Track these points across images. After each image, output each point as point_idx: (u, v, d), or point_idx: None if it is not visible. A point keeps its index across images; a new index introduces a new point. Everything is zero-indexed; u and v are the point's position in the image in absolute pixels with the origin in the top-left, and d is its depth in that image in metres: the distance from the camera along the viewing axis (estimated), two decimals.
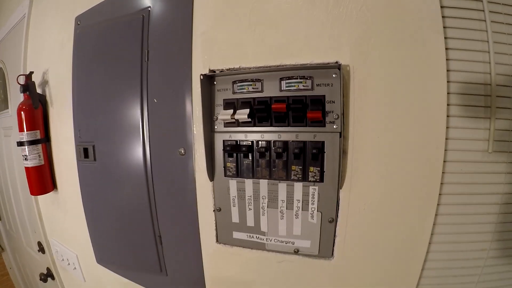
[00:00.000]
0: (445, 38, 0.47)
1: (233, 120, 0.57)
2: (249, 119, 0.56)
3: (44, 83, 1.01)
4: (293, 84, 0.55)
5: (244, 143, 0.59)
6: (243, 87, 0.58)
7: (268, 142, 0.57)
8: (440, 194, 0.51)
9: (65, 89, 0.90)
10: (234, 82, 0.59)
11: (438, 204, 0.51)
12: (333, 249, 0.58)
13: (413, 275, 0.55)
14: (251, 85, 0.57)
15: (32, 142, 0.95)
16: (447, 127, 0.49)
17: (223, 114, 0.57)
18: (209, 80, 0.60)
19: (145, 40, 0.68)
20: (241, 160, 0.60)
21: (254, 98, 0.57)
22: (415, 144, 0.50)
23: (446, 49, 0.48)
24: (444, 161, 0.50)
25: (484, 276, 0.55)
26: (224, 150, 0.60)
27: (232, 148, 0.59)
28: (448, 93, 0.48)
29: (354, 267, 0.58)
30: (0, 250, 1.93)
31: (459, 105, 0.49)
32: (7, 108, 1.32)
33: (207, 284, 0.73)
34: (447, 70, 0.48)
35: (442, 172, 0.50)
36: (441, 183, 0.51)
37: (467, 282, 0.55)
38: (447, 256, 0.54)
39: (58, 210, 1.07)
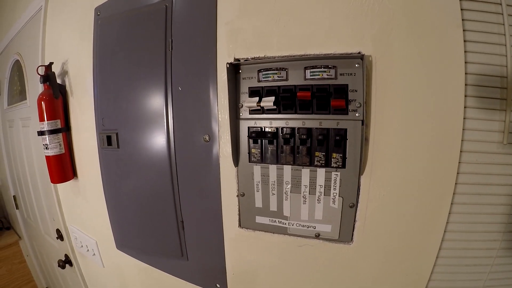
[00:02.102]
0: (464, 30, 0.48)
1: (259, 107, 0.59)
2: (274, 107, 0.58)
3: (64, 73, 1.03)
4: (317, 73, 0.56)
5: (269, 130, 0.60)
6: (268, 75, 0.59)
7: (293, 129, 0.59)
8: (456, 184, 0.52)
9: (85, 79, 0.92)
10: (259, 71, 0.60)
11: (454, 193, 0.52)
12: (352, 233, 0.60)
13: (428, 262, 0.56)
14: (276, 73, 0.59)
15: (52, 132, 0.97)
16: (464, 118, 0.50)
17: (249, 102, 0.59)
18: (234, 68, 0.62)
19: (169, 29, 0.70)
20: (266, 146, 0.62)
21: (279, 86, 0.58)
22: (433, 134, 0.51)
23: (464, 41, 0.48)
24: (461, 151, 0.51)
25: (495, 266, 0.56)
26: (249, 136, 0.62)
27: (257, 135, 0.60)
28: (465, 85, 0.49)
29: (373, 252, 0.59)
30: (17, 238, 1.98)
31: (476, 97, 0.50)
32: (25, 99, 1.35)
33: (228, 268, 0.75)
34: (465, 62, 0.48)
35: (459, 162, 0.51)
36: (457, 173, 0.52)
37: (479, 272, 0.56)
38: (460, 245, 0.55)
39: (78, 197, 1.10)
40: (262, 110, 0.60)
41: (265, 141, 0.61)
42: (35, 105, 0.96)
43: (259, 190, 0.65)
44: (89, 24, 0.88)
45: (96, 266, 1.17)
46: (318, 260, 0.64)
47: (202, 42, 0.66)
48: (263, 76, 0.60)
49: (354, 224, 0.59)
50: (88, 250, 1.14)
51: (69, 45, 1.00)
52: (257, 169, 0.64)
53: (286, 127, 0.59)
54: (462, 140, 0.51)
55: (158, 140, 0.74)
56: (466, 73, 0.49)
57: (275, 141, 0.60)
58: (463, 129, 0.50)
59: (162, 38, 0.70)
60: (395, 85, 0.52)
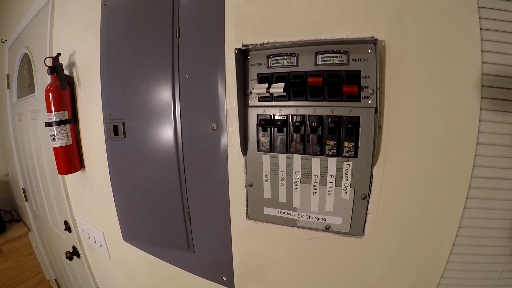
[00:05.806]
0: (480, 18, 0.46)
1: (268, 94, 0.57)
2: (284, 93, 0.56)
3: (71, 64, 1.03)
4: (328, 59, 0.54)
5: (279, 118, 0.59)
6: (278, 61, 0.57)
7: (303, 116, 0.57)
8: (471, 177, 0.50)
9: (92, 69, 0.91)
10: (268, 57, 0.58)
11: (469, 187, 0.50)
12: (364, 226, 0.58)
13: (442, 258, 0.54)
14: (286, 59, 0.57)
15: (60, 123, 0.97)
16: (480, 109, 0.48)
17: (258, 88, 0.57)
18: (243, 54, 0.60)
19: (176, 17, 0.68)
20: (275, 134, 0.60)
21: (289, 73, 0.56)
22: (449, 124, 0.49)
23: (481, 29, 0.46)
24: (477, 143, 0.49)
25: (509, 265, 0.54)
26: (258, 124, 0.60)
27: (266, 123, 0.58)
28: (482, 74, 0.47)
29: (384, 246, 0.57)
30: (27, 230, 2.01)
31: (493, 87, 0.47)
32: (34, 92, 1.36)
33: (235, 260, 0.74)
34: (482, 51, 0.46)
35: (475, 155, 0.49)
36: (473, 166, 0.49)
37: (492, 270, 0.54)
38: (474, 242, 0.53)
39: (86, 189, 1.11)
40: (271, 97, 0.58)
41: (274, 129, 0.60)
42: (43, 97, 0.96)
43: (268, 180, 0.63)
44: (96, 14, 0.87)
45: (103, 257, 1.17)
46: (328, 254, 0.63)
47: (209, 29, 0.64)
48: (273, 62, 0.58)
49: (366, 217, 0.57)
50: (95, 242, 1.15)
51: (77, 36, 1.00)
52: (266, 158, 0.62)
53: (296, 115, 0.57)
54: (478, 132, 0.48)
55: (165, 129, 0.73)
56: (482, 62, 0.46)
57: (284, 129, 0.59)
58: (479, 120, 0.48)
59: (169, 25, 0.69)
60: (409, 71, 0.50)
